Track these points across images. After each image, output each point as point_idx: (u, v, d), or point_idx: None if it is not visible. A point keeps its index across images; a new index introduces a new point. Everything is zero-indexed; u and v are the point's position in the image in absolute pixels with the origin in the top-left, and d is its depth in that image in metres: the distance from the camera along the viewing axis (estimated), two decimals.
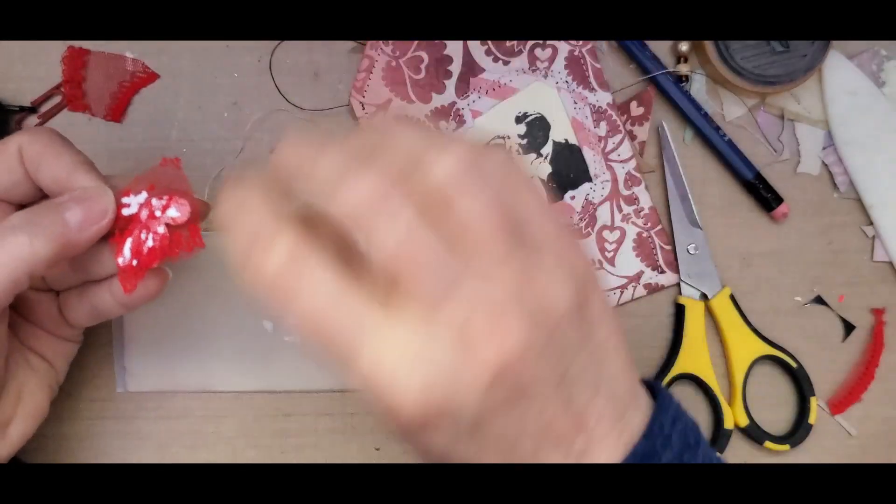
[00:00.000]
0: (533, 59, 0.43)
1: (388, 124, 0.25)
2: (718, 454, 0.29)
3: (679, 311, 0.44)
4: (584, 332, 0.25)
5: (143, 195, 0.32)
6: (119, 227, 0.32)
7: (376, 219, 0.22)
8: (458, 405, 0.22)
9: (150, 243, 0.32)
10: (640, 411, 0.27)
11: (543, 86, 0.43)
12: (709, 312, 0.44)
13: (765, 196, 0.44)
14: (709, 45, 0.43)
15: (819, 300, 0.45)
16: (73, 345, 0.39)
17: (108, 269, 0.34)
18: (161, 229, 0.32)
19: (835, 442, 0.44)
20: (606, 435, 0.26)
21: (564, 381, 0.25)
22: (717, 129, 0.43)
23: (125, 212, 0.32)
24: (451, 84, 0.43)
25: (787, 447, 0.43)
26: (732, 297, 0.44)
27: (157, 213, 0.32)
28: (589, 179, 0.44)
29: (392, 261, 0.22)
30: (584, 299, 0.25)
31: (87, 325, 0.37)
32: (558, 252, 0.25)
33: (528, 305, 0.23)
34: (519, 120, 0.43)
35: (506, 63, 0.43)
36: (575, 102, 0.43)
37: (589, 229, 0.44)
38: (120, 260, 0.32)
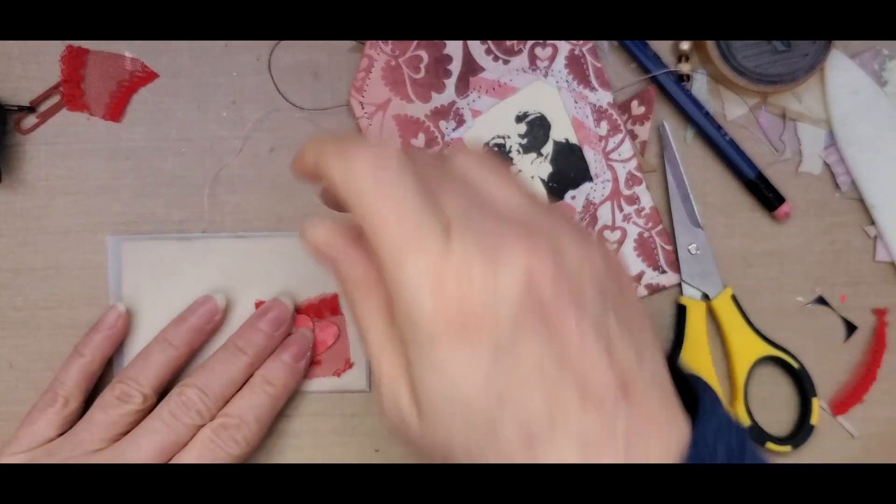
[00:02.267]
0: (533, 58, 0.43)
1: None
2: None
3: (680, 311, 0.44)
4: (622, 299, 0.26)
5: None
6: None
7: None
8: (492, 311, 0.23)
9: None
10: (681, 417, 0.26)
11: (544, 85, 0.43)
12: (710, 313, 0.44)
13: (766, 195, 0.43)
14: (710, 45, 0.42)
15: (821, 300, 0.45)
16: None
17: None
18: None
19: (837, 443, 0.44)
20: (656, 431, 0.25)
21: (600, 330, 0.25)
22: (719, 128, 0.43)
23: None
24: (450, 83, 0.43)
25: (788, 448, 0.43)
26: (734, 298, 0.44)
27: None
28: (590, 179, 0.44)
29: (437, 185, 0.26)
30: (620, 281, 0.27)
31: None
32: (579, 236, 0.27)
33: (563, 243, 0.25)
34: (519, 119, 0.43)
35: (506, 62, 0.43)
36: (576, 102, 0.43)
37: (590, 229, 0.44)
38: None
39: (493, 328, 0.23)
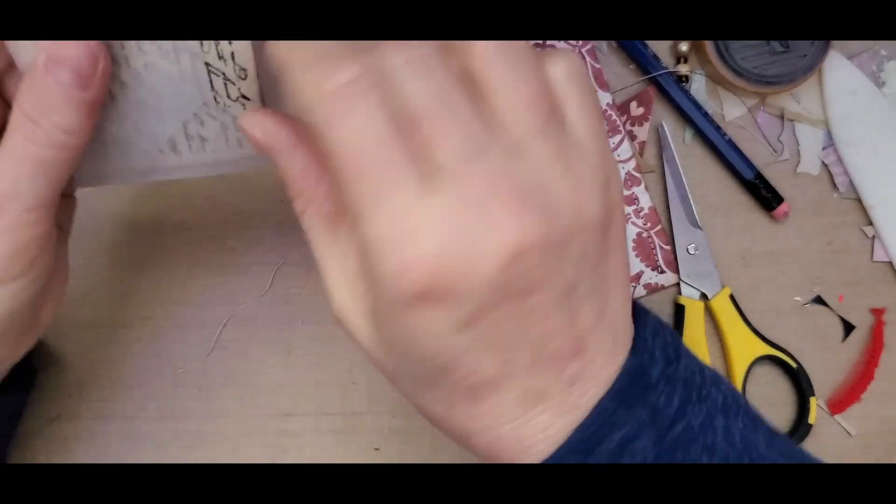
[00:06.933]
0: None
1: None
2: (698, 359, 0.28)
3: (679, 311, 0.44)
4: (602, 252, 0.24)
5: None
6: None
7: (412, 69, 0.22)
8: (466, 282, 0.22)
9: None
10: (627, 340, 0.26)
11: None
12: (708, 312, 0.44)
13: (765, 196, 0.44)
14: (709, 45, 0.43)
15: (819, 300, 0.45)
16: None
17: None
18: None
19: (834, 442, 0.44)
20: (601, 368, 0.25)
21: (572, 296, 0.24)
22: (718, 128, 0.43)
23: None
24: None
25: None
26: (732, 298, 0.44)
27: None
28: None
29: (421, 111, 0.21)
30: (609, 221, 0.24)
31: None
32: (598, 159, 0.24)
33: (555, 200, 0.22)
34: None
35: None
36: None
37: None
38: None
39: (461, 301, 0.22)
